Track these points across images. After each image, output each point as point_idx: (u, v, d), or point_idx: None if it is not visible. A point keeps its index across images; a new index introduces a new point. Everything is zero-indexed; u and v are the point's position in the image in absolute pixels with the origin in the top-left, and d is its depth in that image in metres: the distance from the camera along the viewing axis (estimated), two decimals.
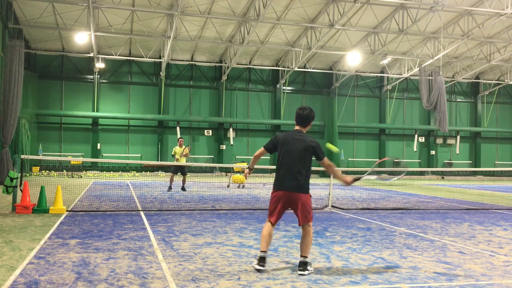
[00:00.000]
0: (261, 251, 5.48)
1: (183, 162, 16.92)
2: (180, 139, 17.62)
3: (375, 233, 8.27)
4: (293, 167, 5.49)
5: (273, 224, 5.59)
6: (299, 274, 5.26)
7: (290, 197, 5.49)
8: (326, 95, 34.50)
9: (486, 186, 25.74)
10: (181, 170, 16.99)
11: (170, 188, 16.80)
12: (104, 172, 29.98)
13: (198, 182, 22.03)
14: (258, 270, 5.36)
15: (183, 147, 17.23)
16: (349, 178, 5.66)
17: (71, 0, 22.60)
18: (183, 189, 16.93)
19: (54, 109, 30.26)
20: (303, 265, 5.35)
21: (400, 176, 6.67)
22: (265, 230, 5.55)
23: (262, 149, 5.82)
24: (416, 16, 24.56)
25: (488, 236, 8.28)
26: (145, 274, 5.16)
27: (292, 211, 5.66)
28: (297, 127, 5.73)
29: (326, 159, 5.60)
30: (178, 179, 17.70)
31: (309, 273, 5.32)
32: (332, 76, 34.51)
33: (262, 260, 5.44)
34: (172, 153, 17.37)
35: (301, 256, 5.43)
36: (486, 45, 30.30)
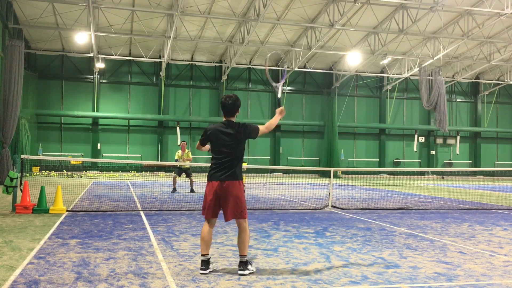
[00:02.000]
0: (202, 255, 5.27)
1: (186, 164, 16.73)
2: (182, 143, 17.09)
3: (375, 233, 8.26)
4: (225, 160, 5.35)
5: (211, 224, 5.38)
6: (240, 274, 5.15)
7: (222, 186, 5.27)
8: (326, 95, 34.51)
9: (486, 186, 25.74)
10: (186, 172, 16.79)
11: (174, 189, 16.50)
12: (104, 172, 29.99)
13: (198, 182, 22.00)
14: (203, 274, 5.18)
15: (186, 150, 16.95)
16: (277, 116, 5.60)
17: (71, 0, 22.61)
18: (192, 190, 16.66)
19: (54, 109, 30.27)
20: (243, 265, 5.21)
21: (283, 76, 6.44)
22: (204, 230, 5.33)
23: (198, 143, 5.72)
24: (416, 16, 24.57)
25: (488, 236, 8.27)
26: (145, 274, 5.16)
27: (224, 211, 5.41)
28: (224, 118, 5.53)
29: (261, 128, 5.50)
30: (183, 180, 17.46)
31: (249, 273, 5.21)
32: (332, 76, 34.52)
33: (205, 264, 5.26)
34: (176, 158, 16.97)
35: (240, 255, 5.27)
36: (486, 45, 30.31)
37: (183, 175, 16.87)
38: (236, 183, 5.33)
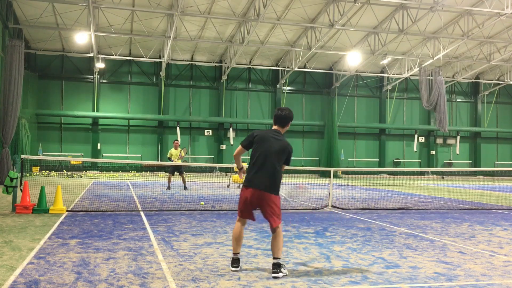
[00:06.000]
0: (234, 253, 5.45)
1: (178, 162, 17.16)
2: (175, 142, 17.90)
3: (375, 233, 8.26)
4: (269, 166, 5.38)
5: (243, 224, 5.55)
6: (274, 277, 5.15)
7: (260, 196, 5.36)
8: (326, 95, 34.51)
9: (486, 186, 25.74)
10: (178, 170, 17.27)
11: (168, 187, 17.12)
12: (104, 172, 29.98)
13: (198, 182, 22.02)
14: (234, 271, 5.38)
15: (179, 149, 17.51)
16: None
17: (71, 0, 22.61)
18: (185, 188, 17.15)
19: (54, 109, 30.27)
20: (277, 267, 5.23)
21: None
22: (237, 230, 5.48)
23: (240, 147, 5.63)
24: (416, 16, 24.57)
25: (488, 236, 8.28)
26: (145, 274, 5.16)
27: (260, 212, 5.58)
28: (275, 127, 5.64)
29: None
30: (177, 179, 17.94)
31: (283, 275, 5.20)
32: (332, 76, 34.51)
33: (236, 262, 5.44)
34: (168, 156, 17.72)
35: (274, 258, 5.32)
36: (486, 45, 30.31)
37: (177, 174, 17.48)
38: (273, 197, 5.46)
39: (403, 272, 5.52)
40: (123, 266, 5.49)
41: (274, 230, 5.42)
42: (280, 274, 5.18)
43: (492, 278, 5.30)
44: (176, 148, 17.48)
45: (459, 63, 33.60)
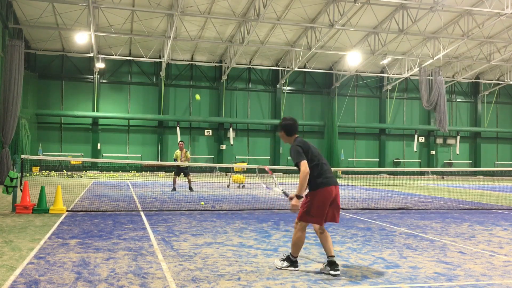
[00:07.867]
0: (296, 257, 5.52)
1: (184, 163, 16.99)
2: (180, 143, 17.50)
3: (375, 233, 8.26)
4: (328, 164, 5.77)
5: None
6: (336, 275, 5.21)
7: (337, 189, 5.56)
8: (326, 95, 34.51)
9: (486, 186, 25.73)
10: (183, 172, 17.11)
11: (174, 189, 16.90)
12: (104, 172, 29.98)
13: (198, 182, 22.01)
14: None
15: (184, 150, 17.29)
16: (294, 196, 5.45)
17: (71, 0, 22.61)
18: (190, 189, 17.04)
19: (54, 109, 30.27)
20: (336, 264, 5.30)
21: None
22: (304, 238, 5.56)
23: (306, 163, 5.35)
24: (416, 16, 24.57)
25: (488, 236, 8.27)
26: (145, 274, 5.16)
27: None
28: (296, 135, 5.76)
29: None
30: (182, 180, 17.83)
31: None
32: (332, 76, 34.52)
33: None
34: (174, 157, 17.47)
35: (331, 256, 5.36)
36: (486, 45, 30.31)
37: (182, 174, 17.17)
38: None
39: (403, 272, 5.52)
40: (123, 266, 5.50)
41: (323, 227, 5.52)
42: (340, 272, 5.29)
43: (492, 278, 5.30)
44: (181, 149, 17.10)
45: (459, 63, 33.61)
